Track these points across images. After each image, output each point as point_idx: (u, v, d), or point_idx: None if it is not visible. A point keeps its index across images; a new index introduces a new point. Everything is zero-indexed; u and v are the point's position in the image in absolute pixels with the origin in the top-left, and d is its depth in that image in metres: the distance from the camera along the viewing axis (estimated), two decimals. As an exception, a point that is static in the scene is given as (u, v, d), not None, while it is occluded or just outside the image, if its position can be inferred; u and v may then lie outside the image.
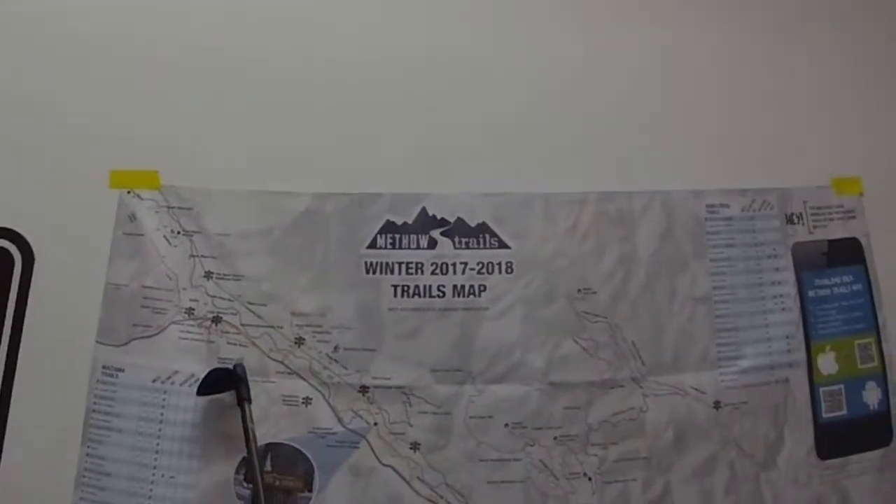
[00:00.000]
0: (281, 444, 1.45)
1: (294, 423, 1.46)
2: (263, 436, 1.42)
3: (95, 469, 1.42)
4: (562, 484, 1.47)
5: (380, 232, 1.55)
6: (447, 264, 1.54)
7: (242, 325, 1.49)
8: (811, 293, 1.62)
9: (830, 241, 1.65)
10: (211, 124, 1.58)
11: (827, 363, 1.59)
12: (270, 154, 1.57)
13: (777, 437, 1.54)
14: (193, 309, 1.49)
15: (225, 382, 1.43)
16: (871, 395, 1.60)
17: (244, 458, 1.43)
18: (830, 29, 1.79)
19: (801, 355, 1.58)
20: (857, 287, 1.64)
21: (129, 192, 1.54)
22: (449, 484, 1.46)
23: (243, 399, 1.41)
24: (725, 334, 1.56)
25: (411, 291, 1.53)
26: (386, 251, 1.54)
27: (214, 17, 1.65)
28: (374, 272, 1.53)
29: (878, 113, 1.74)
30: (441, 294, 1.53)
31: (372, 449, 1.46)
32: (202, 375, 1.43)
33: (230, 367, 1.45)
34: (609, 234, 1.58)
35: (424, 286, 1.53)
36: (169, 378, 1.46)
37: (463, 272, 1.54)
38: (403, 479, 1.45)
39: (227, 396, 1.43)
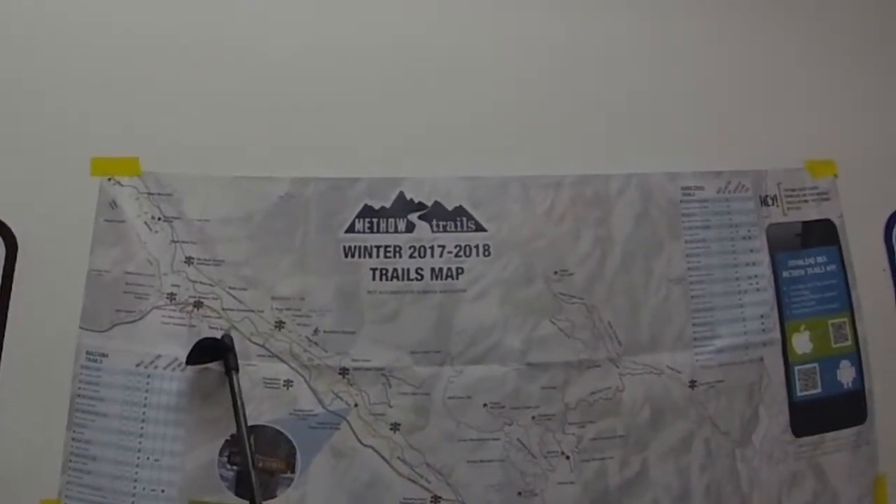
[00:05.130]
0: (263, 426, 1.47)
1: (275, 406, 1.48)
2: (247, 415, 1.43)
3: (81, 453, 1.44)
4: (540, 462, 1.50)
5: (358, 216, 1.56)
6: (425, 247, 1.56)
7: (223, 309, 1.51)
8: (785, 274, 1.64)
9: (804, 223, 1.67)
10: (190, 111, 1.59)
11: (801, 342, 1.62)
12: (249, 139, 1.58)
13: (752, 415, 1.56)
14: (175, 294, 1.51)
15: (213, 352, 1.45)
16: (845, 374, 1.62)
17: (227, 441, 1.45)
18: (806, 14, 1.80)
19: (776, 335, 1.60)
20: (830, 268, 1.66)
21: (109, 180, 1.55)
22: (429, 463, 1.48)
23: (231, 368, 1.43)
24: (701, 314, 1.59)
25: (390, 275, 1.54)
26: (364, 235, 1.56)
27: (195, 6, 1.65)
28: (352, 256, 1.55)
29: (853, 96, 1.76)
30: (419, 277, 1.55)
31: (353, 430, 1.48)
32: (187, 354, 1.45)
33: (218, 336, 1.47)
34: (585, 217, 1.59)
35: (403, 269, 1.55)
36: (152, 362, 1.48)
37: (441, 255, 1.55)
38: (384, 459, 1.48)
39: (215, 375, 1.45)
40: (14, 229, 1.51)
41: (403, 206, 1.57)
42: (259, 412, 1.47)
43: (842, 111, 1.74)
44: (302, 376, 1.49)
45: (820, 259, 1.66)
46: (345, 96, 1.62)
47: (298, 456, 1.46)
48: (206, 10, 1.65)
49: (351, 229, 1.56)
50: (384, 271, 1.54)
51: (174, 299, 1.50)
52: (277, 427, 1.47)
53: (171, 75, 1.61)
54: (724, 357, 1.57)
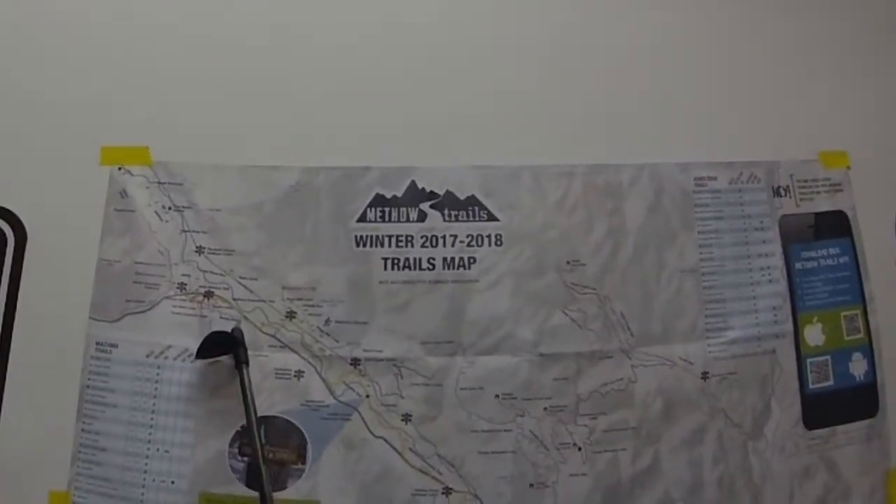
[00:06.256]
0: (274, 417, 1.46)
1: (287, 397, 1.47)
2: (257, 409, 1.42)
3: (91, 444, 1.44)
4: (552, 454, 1.49)
5: (370, 205, 1.56)
6: (437, 237, 1.55)
7: (234, 299, 1.50)
8: (798, 265, 1.63)
9: (817, 214, 1.66)
10: (201, 100, 1.59)
11: (814, 334, 1.61)
12: (260, 129, 1.58)
13: (764, 407, 1.55)
14: (185, 284, 1.50)
15: (223, 346, 1.44)
16: (858, 367, 1.61)
17: (238, 432, 1.44)
18: (820, 3, 1.79)
19: (788, 327, 1.59)
20: (843, 259, 1.65)
21: (119, 169, 1.54)
22: (441, 455, 1.47)
23: (241, 362, 1.42)
24: (713, 306, 1.58)
25: (401, 264, 1.53)
26: (376, 224, 1.55)
27: (204, -4, 1.66)
28: (364, 245, 1.54)
29: (866, 87, 1.75)
30: (431, 267, 1.54)
31: (364, 421, 1.47)
32: (197, 345, 1.44)
33: (228, 330, 1.46)
34: (598, 207, 1.59)
35: (414, 259, 1.54)
36: (162, 353, 1.47)
37: (453, 245, 1.55)
38: (395, 450, 1.47)
39: (225, 366, 1.45)
40: (23, 219, 1.51)
41: (415, 195, 1.57)
42: (270, 403, 1.46)
43: (855, 102, 1.73)
44: (313, 367, 1.49)
45: (832, 251, 1.65)
46: (356, 85, 1.62)
47: (309, 447, 1.46)
48: (216, 1, 1.65)
49: (363, 218, 1.55)
50: (396, 261, 1.53)
51: (185, 289, 1.50)
52: (288, 418, 1.46)
53: (182, 65, 1.61)
54: (736, 349, 1.56)
